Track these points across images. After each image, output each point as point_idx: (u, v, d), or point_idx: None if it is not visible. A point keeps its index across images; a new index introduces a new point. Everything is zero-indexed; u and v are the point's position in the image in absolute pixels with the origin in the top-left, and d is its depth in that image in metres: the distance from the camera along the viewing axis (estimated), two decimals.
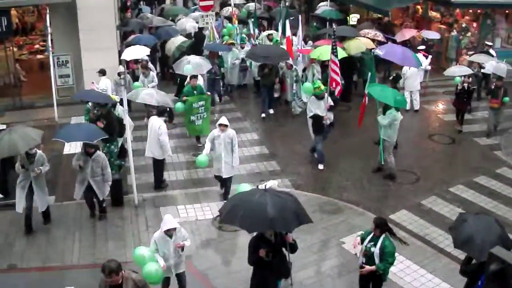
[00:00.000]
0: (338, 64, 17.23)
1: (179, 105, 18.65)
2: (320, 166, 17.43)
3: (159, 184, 16.30)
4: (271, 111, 22.33)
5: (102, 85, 19.45)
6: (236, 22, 27.23)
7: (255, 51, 22.30)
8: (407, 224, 14.46)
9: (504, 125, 20.14)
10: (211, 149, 14.86)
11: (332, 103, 17.28)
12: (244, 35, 26.96)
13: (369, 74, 17.85)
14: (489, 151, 19.03)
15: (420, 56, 22.26)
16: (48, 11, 20.92)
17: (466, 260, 10.02)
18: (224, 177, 14.99)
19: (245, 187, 11.94)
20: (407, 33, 27.23)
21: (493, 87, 20.43)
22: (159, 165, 16.27)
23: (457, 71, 21.16)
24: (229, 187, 15.20)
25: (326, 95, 17.07)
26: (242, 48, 25.11)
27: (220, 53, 23.71)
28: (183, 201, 15.28)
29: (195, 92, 18.68)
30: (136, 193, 15.13)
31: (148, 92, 17.36)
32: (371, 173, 17.13)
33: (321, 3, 33.73)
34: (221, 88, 24.11)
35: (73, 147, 18.45)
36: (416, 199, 15.75)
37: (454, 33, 28.71)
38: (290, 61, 21.92)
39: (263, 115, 21.93)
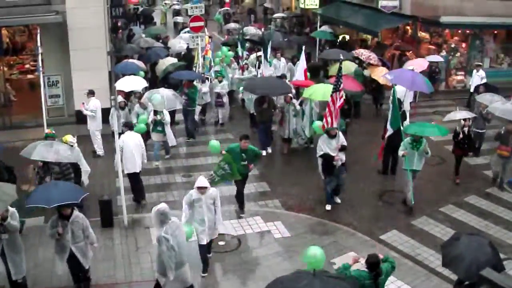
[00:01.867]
0: (340, 105, 16.34)
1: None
2: (328, 207, 16.27)
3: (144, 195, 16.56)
4: (269, 150, 20.46)
5: (92, 106, 19.44)
6: (210, 53, 25.76)
7: (254, 83, 21.30)
8: (398, 244, 14.45)
9: (494, 144, 20.13)
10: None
11: (345, 143, 16.17)
12: (222, 67, 25.54)
13: (391, 113, 17.13)
14: (478, 170, 19.09)
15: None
16: (39, 31, 20.89)
17: (458, 281, 10.00)
18: (208, 241, 12.87)
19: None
20: (417, 64, 24.78)
21: (502, 131, 17.56)
22: (139, 177, 16.55)
23: (458, 116, 18.43)
24: (211, 250, 13.46)
25: (339, 133, 16.13)
26: (220, 81, 23.08)
27: (195, 82, 22.38)
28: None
29: (243, 155, 15.24)
30: (126, 214, 15.06)
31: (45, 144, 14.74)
32: (362, 194, 17.15)
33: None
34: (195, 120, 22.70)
35: None
36: (407, 219, 15.76)
37: (443, 53, 28.90)
38: (290, 94, 20.57)
39: (264, 152, 19.48)
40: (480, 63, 26.74)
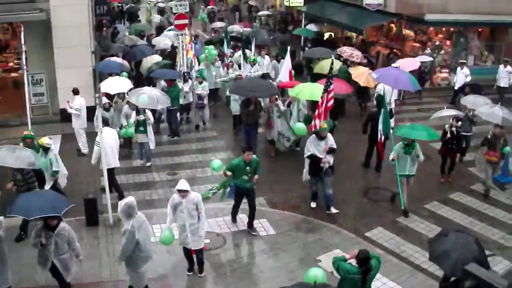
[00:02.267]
0: (331, 106, 16.54)
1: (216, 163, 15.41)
2: (313, 204, 16.20)
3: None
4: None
5: (76, 104, 19.32)
6: (190, 53, 24.59)
7: (241, 85, 20.46)
8: (383, 241, 14.49)
9: (478, 141, 20.20)
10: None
11: (334, 146, 15.80)
12: (203, 67, 25.12)
13: (382, 118, 17.07)
14: (463, 167, 19.18)
15: None
16: (22, 29, 20.76)
17: (445, 277, 10.04)
18: (193, 249, 12.41)
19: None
20: (408, 64, 25.29)
21: (489, 136, 17.08)
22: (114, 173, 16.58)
23: (444, 113, 18.78)
24: (202, 259, 12.79)
25: (328, 135, 15.85)
26: (200, 83, 22.46)
27: (177, 81, 22.01)
28: (158, 220, 15.15)
29: (248, 168, 14.27)
30: (111, 212, 15.00)
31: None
32: (347, 191, 17.19)
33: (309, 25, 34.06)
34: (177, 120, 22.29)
35: None
36: (392, 216, 15.80)
37: (428, 51, 29.01)
38: (279, 98, 20.30)
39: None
40: (464, 61, 26.95)
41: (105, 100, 19.01)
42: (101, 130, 15.10)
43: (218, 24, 38.72)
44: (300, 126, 17.72)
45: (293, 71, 22.76)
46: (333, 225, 15.10)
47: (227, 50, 25.48)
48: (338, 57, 25.70)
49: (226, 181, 14.88)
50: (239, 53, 26.09)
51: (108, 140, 15.92)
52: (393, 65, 23.69)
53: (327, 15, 34.35)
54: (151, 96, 18.43)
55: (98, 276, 12.66)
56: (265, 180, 17.75)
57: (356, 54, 25.95)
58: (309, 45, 32.06)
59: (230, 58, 25.40)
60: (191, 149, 20.52)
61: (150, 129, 18.72)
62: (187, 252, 12.58)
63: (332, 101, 16.28)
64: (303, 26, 33.66)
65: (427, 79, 27.98)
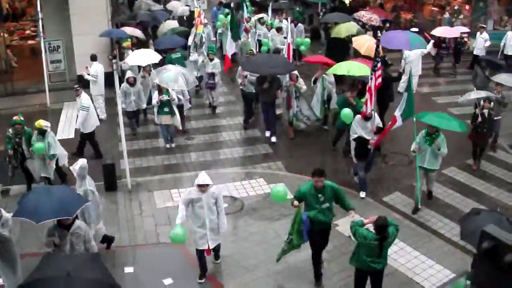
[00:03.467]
0: (379, 84, 14.37)
1: None
2: (362, 194, 14.88)
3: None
4: (273, 139, 18.20)
5: (93, 70, 19.35)
6: (201, 28, 21.74)
7: (255, 61, 18.46)
8: (401, 206, 14.49)
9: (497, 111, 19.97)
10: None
11: (380, 124, 15.12)
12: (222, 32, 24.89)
13: (406, 101, 14.25)
14: None
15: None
16: None
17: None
18: (211, 248, 11.43)
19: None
20: (449, 32, 24.56)
21: None
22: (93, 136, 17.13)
23: (474, 96, 16.94)
24: (219, 255, 12.19)
25: (374, 114, 14.66)
26: (211, 60, 20.47)
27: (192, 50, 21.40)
28: (176, 185, 15.24)
29: (321, 196, 11.16)
30: (129, 178, 15.11)
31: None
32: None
33: None
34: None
35: (65, 132, 18.53)
36: (409, 181, 15.69)
37: (447, 15, 28.70)
38: (296, 72, 18.38)
39: (267, 133, 18.51)
40: (484, 25, 26.53)
41: (130, 74, 18.82)
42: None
43: None
44: (347, 112, 15.32)
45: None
46: (351, 190, 15.04)
47: (246, 15, 25.22)
48: (357, 21, 25.45)
49: (297, 216, 11.16)
50: (256, 17, 25.89)
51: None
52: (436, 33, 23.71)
53: None
54: (176, 75, 16.87)
55: (117, 241, 12.76)
56: (284, 148, 17.74)
57: (374, 18, 25.65)
58: (324, 10, 31.66)
59: (249, 24, 25.00)
60: (204, 114, 20.56)
61: (175, 110, 17.39)
62: (201, 255, 11.49)
63: (380, 80, 14.31)
64: None
65: (463, 51, 26.39)
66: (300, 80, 18.27)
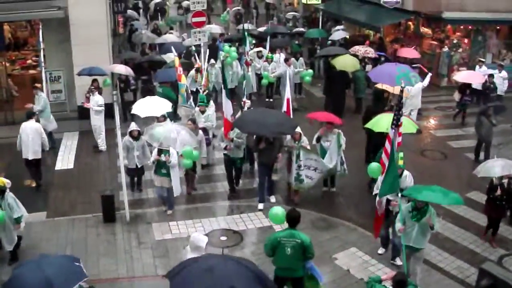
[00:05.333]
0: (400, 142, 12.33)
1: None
2: (380, 251, 13.59)
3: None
4: (273, 199, 16.42)
5: (94, 102, 19.40)
6: (183, 78, 19.09)
7: (249, 120, 15.65)
8: None
9: (494, 140, 20.03)
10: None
11: (411, 182, 13.08)
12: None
13: (388, 173, 12.11)
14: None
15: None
16: (41, 26, 20.93)
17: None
18: None
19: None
20: (472, 78, 23.24)
21: None
22: (40, 164, 17.17)
23: (498, 171, 13.69)
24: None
25: (406, 173, 13.04)
26: (203, 112, 18.10)
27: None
28: (174, 217, 15.22)
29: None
30: (128, 209, 15.07)
31: None
32: (362, 188, 17.10)
33: (337, 27, 33.73)
34: None
35: (65, 163, 18.53)
36: None
37: (446, 49, 28.88)
38: (299, 129, 15.95)
39: (261, 206, 15.87)
40: (483, 59, 26.72)
41: (134, 126, 16.34)
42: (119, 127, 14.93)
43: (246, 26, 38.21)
44: (375, 166, 13.10)
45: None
46: (349, 223, 15.06)
47: (247, 48, 25.43)
48: (355, 56, 25.62)
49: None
50: (254, 50, 26.12)
51: (27, 133, 16.53)
52: (460, 79, 23.15)
53: (345, 13, 34.29)
54: (169, 132, 14.83)
55: (115, 272, 12.73)
56: (284, 181, 17.64)
57: (370, 50, 25.96)
58: (320, 45, 31.81)
59: (250, 57, 25.14)
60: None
61: (174, 173, 15.23)
62: None
63: (400, 139, 12.31)
64: (320, 27, 33.42)
65: (492, 98, 22.95)
66: (304, 139, 16.04)
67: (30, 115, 17.15)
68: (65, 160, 19.02)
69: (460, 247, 13.98)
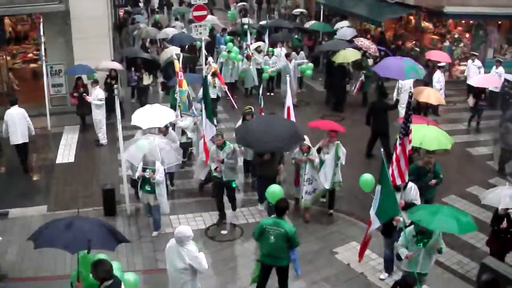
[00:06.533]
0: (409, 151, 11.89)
1: None
2: (382, 276, 12.47)
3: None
4: (262, 207, 15.35)
5: (94, 95, 19.38)
6: (185, 84, 17.13)
7: (251, 132, 14.25)
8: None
9: (497, 135, 20.05)
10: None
11: (417, 201, 12.17)
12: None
13: (383, 196, 11.27)
14: (482, 161, 19.05)
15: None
16: (41, 20, 20.89)
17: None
18: None
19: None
20: (487, 81, 22.27)
21: None
22: (28, 147, 17.82)
23: (506, 202, 11.94)
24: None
25: (410, 185, 12.22)
26: (183, 133, 16.96)
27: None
28: (175, 211, 15.20)
29: None
30: (129, 203, 15.09)
31: None
32: None
33: (340, 23, 33.58)
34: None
35: (65, 157, 18.54)
36: None
37: (447, 43, 28.86)
38: (307, 141, 14.48)
39: (261, 207, 15.31)
40: (476, 53, 26.59)
41: (139, 135, 15.37)
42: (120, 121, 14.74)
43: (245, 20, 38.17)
44: (368, 178, 13.40)
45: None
46: (350, 217, 15.07)
47: (248, 42, 25.40)
48: (358, 49, 25.56)
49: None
50: (254, 45, 26.02)
51: (14, 118, 17.02)
52: (470, 82, 22.37)
53: (346, 7, 34.22)
54: (151, 147, 13.78)
55: None
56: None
57: (373, 47, 25.86)
58: (326, 39, 31.79)
59: (251, 50, 25.06)
60: None
61: (160, 190, 13.79)
62: None
63: (410, 146, 11.87)
64: (321, 20, 33.29)
65: (510, 104, 21.69)
66: (313, 151, 14.60)
67: (14, 101, 17.64)
68: (66, 153, 19.02)
69: (460, 241, 13.97)
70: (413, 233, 10.76)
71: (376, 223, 11.51)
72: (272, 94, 25.50)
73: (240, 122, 16.46)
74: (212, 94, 20.04)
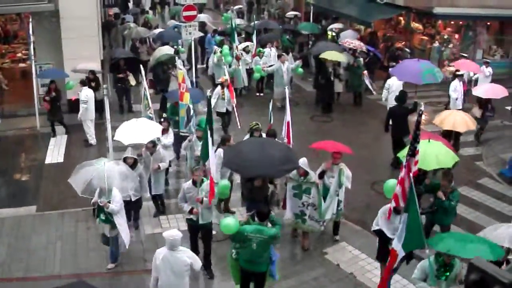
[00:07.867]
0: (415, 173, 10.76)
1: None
2: None
3: None
4: None
5: (83, 95, 19.22)
6: (187, 96, 15.84)
7: (241, 156, 12.52)
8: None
9: (486, 135, 20.15)
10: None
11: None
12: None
13: (410, 224, 9.73)
14: (471, 161, 19.11)
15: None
16: (31, 19, 20.82)
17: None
18: None
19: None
20: (467, 67, 22.76)
21: None
22: None
23: (507, 243, 10.32)
24: None
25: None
26: (200, 139, 14.52)
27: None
28: (164, 212, 15.18)
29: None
30: None
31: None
32: (353, 183, 17.10)
33: (334, 25, 33.62)
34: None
35: (55, 157, 18.47)
36: None
37: (436, 44, 29.00)
38: (305, 165, 13.00)
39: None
40: (466, 55, 26.70)
41: (129, 152, 13.76)
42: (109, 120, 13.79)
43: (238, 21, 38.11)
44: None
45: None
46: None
47: (236, 42, 25.37)
48: (348, 50, 25.56)
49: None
50: (241, 46, 25.92)
51: None
52: (476, 93, 20.53)
53: (336, 8, 34.24)
54: (99, 173, 12.24)
55: (105, 266, 12.72)
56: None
57: (360, 44, 25.65)
58: (313, 39, 31.80)
59: (240, 51, 25.02)
60: None
61: (118, 220, 12.17)
62: None
63: (416, 168, 10.88)
64: (311, 21, 33.27)
65: None
66: (311, 173, 13.33)
67: None
68: (55, 153, 18.94)
69: None
70: (435, 266, 9.88)
71: (401, 254, 10.13)
72: (261, 94, 25.50)
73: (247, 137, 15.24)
74: (221, 108, 19.37)
